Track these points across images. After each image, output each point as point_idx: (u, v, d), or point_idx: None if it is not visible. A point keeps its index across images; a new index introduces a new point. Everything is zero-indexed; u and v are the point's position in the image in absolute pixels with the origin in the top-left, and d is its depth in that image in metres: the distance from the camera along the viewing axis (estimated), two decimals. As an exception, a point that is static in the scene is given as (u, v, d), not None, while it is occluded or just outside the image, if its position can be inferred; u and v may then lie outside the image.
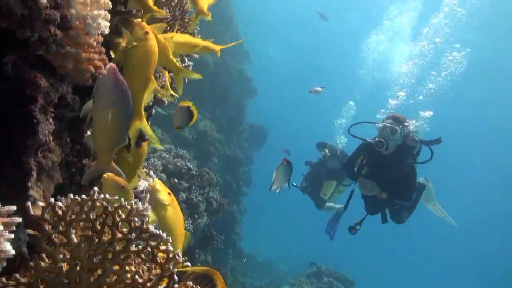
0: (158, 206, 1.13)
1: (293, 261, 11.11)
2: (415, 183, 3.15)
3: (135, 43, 1.03)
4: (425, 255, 19.45)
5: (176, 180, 4.74)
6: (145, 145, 1.47)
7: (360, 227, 3.40)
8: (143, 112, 1.18)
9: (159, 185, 1.16)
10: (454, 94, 7.53)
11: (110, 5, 0.86)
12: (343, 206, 4.69)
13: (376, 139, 2.98)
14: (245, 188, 8.79)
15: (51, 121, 0.95)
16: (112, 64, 0.92)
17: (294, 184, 4.50)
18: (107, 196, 0.82)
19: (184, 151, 5.44)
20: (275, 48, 18.90)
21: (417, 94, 6.27)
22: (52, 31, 0.75)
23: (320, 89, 4.58)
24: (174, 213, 1.15)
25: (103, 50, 0.90)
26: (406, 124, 3.03)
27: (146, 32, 1.05)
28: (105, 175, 1.07)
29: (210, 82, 7.34)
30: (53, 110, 1.00)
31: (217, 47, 1.30)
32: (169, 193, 1.17)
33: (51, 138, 0.94)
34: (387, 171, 3.03)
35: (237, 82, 8.78)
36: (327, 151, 4.49)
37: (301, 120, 23.72)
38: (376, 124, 3.09)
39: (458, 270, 18.13)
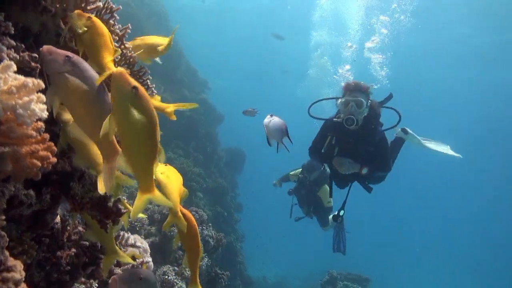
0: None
1: (303, 273, 10.87)
2: (389, 150, 2.98)
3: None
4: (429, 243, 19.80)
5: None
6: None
7: (344, 212, 3.30)
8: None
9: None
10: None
11: (42, 85, 0.73)
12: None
13: (342, 116, 2.71)
14: (237, 214, 8.57)
15: (2, 233, 0.79)
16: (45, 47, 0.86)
17: (296, 219, 4.37)
18: None
19: (167, 196, 5.18)
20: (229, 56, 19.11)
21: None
22: (-26, 136, 0.61)
23: (252, 110, 4.49)
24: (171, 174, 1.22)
25: (47, 136, 0.76)
26: (368, 91, 2.78)
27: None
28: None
29: (176, 121, 7.17)
30: (3, 217, 0.84)
31: (170, 108, 1.15)
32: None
33: (7, 253, 0.78)
34: (360, 146, 2.82)
35: (202, 112, 8.68)
36: (293, 173, 4.45)
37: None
38: (339, 100, 2.81)
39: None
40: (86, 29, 0.99)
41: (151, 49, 1.34)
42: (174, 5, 12.09)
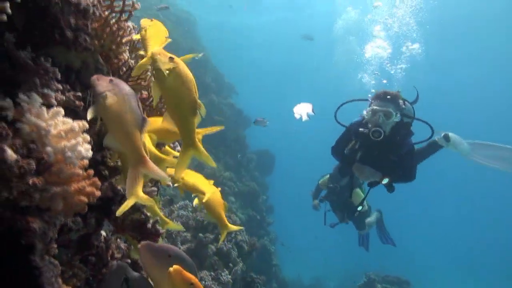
0: (158, 73, 0.97)
1: (339, 275, 10.70)
2: (415, 160, 2.78)
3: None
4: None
5: (201, 234, 4.59)
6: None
7: (361, 207, 3.48)
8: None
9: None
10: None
11: (87, 125, 0.77)
12: (377, 212, 4.49)
13: (370, 127, 2.56)
14: (269, 217, 8.58)
15: (55, 262, 0.85)
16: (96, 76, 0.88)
17: (332, 225, 4.31)
18: None
19: (200, 202, 5.29)
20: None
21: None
22: (31, 182, 0.66)
23: (263, 120, 4.44)
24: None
25: (91, 172, 0.81)
26: (401, 101, 2.60)
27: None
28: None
29: (202, 125, 7.33)
30: (55, 246, 0.91)
31: (200, 135, 1.14)
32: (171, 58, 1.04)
33: (60, 281, 0.84)
34: (384, 155, 2.64)
35: (230, 116, 8.78)
36: (322, 182, 4.38)
37: (301, 127, 23.66)
38: (368, 107, 2.65)
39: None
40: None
41: None
42: (203, 20, 12.44)
